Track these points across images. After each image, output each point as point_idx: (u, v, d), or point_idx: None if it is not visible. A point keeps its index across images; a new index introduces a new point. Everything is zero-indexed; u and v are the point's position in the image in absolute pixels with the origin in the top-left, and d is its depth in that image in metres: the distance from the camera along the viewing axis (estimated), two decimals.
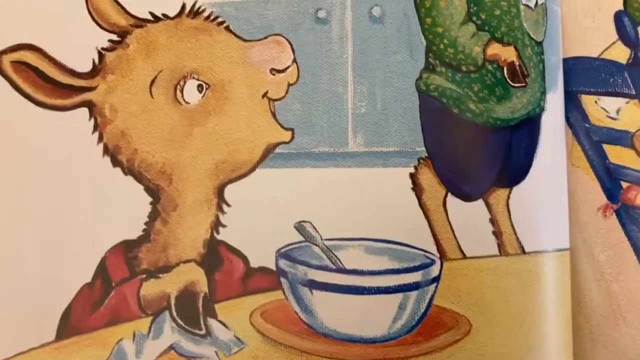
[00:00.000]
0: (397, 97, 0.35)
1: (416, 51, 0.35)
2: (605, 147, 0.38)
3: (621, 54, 0.38)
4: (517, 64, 0.34)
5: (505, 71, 0.34)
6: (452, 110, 0.34)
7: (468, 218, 0.34)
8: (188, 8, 0.36)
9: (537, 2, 0.35)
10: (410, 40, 0.35)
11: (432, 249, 0.34)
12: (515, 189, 0.35)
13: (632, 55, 0.37)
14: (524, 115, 0.35)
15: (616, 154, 0.38)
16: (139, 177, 0.36)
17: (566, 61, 0.38)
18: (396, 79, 0.35)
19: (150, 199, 0.36)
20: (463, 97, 0.34)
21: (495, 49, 0.34)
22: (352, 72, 0.35)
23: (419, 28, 0.35)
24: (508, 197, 0.34)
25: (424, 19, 0.34)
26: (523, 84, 0.34)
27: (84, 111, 0.36)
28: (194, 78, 0.36)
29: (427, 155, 0.34)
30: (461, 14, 0.34)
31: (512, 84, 0.34)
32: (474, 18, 0.34)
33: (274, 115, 0.35)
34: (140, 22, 0.36)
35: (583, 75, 0.38)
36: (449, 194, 0.34)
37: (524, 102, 0.35)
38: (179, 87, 0.36)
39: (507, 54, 0.34)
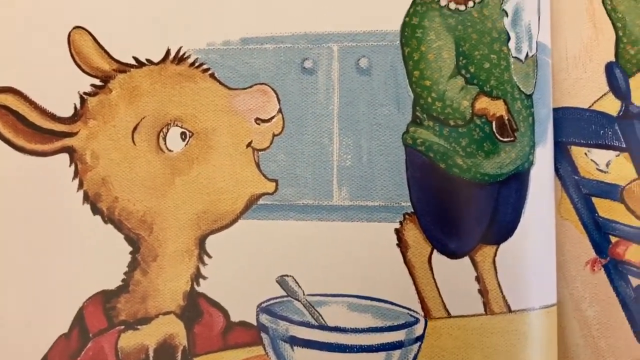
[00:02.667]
0: (383, 151, 0.34)
1: (403, 104, 0.34)
2: (595, 200, 0.38)
3: (612, 105, 0.37)
4: (506, 118, 0.34)
5: (493, 126, 0.34)
6: (439, 165, 0.34)
7: (454, 276, 0.34)
8: (172, 54, 0.35)
9: (527, 54, 0.35)
10: (397, 93, 0.34)
11: (417, 307, 0.34)
12: (502, 245, 0.34)
13: (623, 108, 0.37)
14: (513, 170, 0.34)
15: (605, 208, 0.37)
16: (119, 226, 0.35)
17: (556, 111, 0.37)
18: (382, 132, 0.34)
19: (130, 249, 0.35)
20: (450, 152, 0.34)
21: (484, 103, 0.34)
22: (338, 123, 0.34)
23: (406, 81, 0.34)
24: (495, 255, 0.34)
25: (411, 71, 0.34)
26: (512, 139, 0.34)
27: (65, 157, 0.36)
28: (177, 125, 0.35)
29: (412, 210, 0.34)
30: (450, 67, 0.34)
31: (501, 139, 0.34)
32: (463, 71, 0.34)
33: (258, 165, 0.35)
34: (123, 67, 0.36)
35: (573, 126, 0.38)
36: (435, 251, 0.34)
37: (512, 157, 0.34)
38: (161, 134, 0.35)
39: (496, 108, 0.34)
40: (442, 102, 0.34)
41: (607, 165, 0.37)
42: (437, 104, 0.34)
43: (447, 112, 0.34)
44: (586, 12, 0.38)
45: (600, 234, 0.37)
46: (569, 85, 0.38)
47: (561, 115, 0.38)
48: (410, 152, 0.34)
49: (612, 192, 0.37)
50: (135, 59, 0.35)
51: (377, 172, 0.34)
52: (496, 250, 0.34)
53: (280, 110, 0.35)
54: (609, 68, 0.37)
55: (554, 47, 0.37)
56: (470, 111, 0.34)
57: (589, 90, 0.38)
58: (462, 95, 0.34)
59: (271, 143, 0.35)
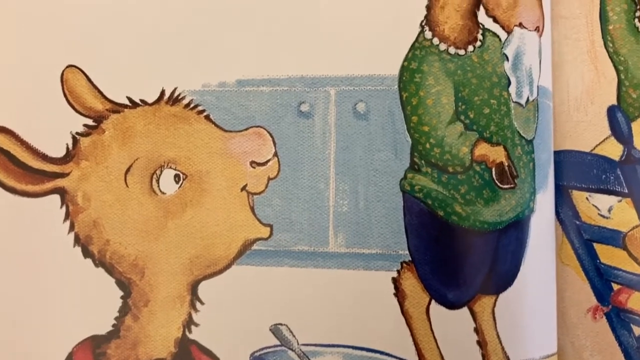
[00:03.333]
0: (380, 197, 0.33)
1: (401, 150, 0.33)
2: (597, 246, 0.37)
3: (614, 150, 0.37)
4: (506, 164, 0.33)
5: (493, 172, 0.33)
6: (437, 212, 0.33)
7: (452, 327, 0.33)
8: (167, 94, 0.35)
9: (528, 99, 0.34)
10: (395, 138, 0.33)
11: (414, 358, 0.33)
12: (502, 295, 0.33)
13: (625, 152, 0.36)
14: (513, 218, 0.33)
15: (607, 254, 0.37)
16: (110, 270, 0.34)
17: (557, 154, 0.37)
18: (380, 177, 0.34)
19: (121, 293, 0.34)
20: (449, 199, 0.33)
21: (483, 150, 0.33)
22: (335, 168, 0.34)
23: (404, 126, 0.33)
24: (494, 305, 0.33)
25: (409, 116, 0.33)
26: (512, 185, 0.33)
27: (56, 198, 0.35)
28: (171, 168, 0.34)
29: (410, 259, 0.33)
30: (449, 113, 0.33)
31: (501, 186, 0.33)
32: (462, 117, 0.33)
33: (252, 209, 0.34)
34: (117, 107, 0.35)
35: (574, 170, 0.37)
36: (433, 301, 0.33)
37: (512, 204, 0.33)
38: (155, 176, 0.34)
39: (496, 154, 0.33)
40: (440, 148, 0.33)
41: (609, 210, 0.36)
42: (436, 150, 0.33)
43: (446, 159, 0.33)
44: (588, 55, 0.37)
45: (602, 281, 0.37)
46: (570, 128, 0.37)
47: (562, 159, 0.37)
48: (408, 199, 0.33)
49: (614, 238, 0.36)
50: (129, 99, 0.35)
51: (374, 218, 0.33)
52: (495, 300, 0.33)
53: (276, 154, 0.34)
54: (611, 111, 0.37)
55: (555, 89, 0.37)
56: (470, 158, 0.33)
57: (590, 134, 0.37)
58: (461, 142, 0.33)
59: (266, 187, 0.34)
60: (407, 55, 0.34)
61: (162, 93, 0.35)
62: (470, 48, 0.34)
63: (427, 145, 0.33)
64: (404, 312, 0.33)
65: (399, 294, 0.33)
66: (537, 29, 0.35)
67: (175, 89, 0.35)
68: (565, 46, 0.37)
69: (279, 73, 0.34)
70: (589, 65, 0.37)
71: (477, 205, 0.33)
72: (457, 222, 0.33)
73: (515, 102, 0.34)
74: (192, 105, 0.35)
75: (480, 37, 0.34)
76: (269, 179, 0.34)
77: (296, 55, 0.34)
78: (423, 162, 0.33)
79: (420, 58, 0.33)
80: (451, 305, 0.33)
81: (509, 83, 0.34)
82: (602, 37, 0.37)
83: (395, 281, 0.33)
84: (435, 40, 0.34)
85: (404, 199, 0.33)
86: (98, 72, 0.35)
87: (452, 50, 0.34)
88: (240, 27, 0.34)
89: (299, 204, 0.34)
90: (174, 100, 0.35)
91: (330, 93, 0.34)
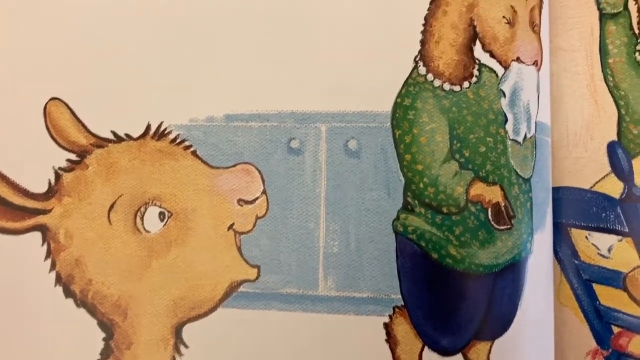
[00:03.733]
0: (372, 238, 0.32)
1: (394, 189, 0.32)
2: (596, 287, 0.36)
3: (614, 187, 0.36)
4: (503, 205, 0.32)
5: (489, 213, 0.32)
6: (431, 254, 0.32)
7: None
8: (153, 129, 0.34)
9: (525, 136, 0.33)
10: (387, 177, 0.32)
11: None
12: (498, 340, 0.32)
13: (626, 190, 0.35)
14: (509, 260, 0.32)
15: (607, 295, 0.35)
16: (92, 310, 0.33)
17: (556, 191, 0.36)
18: (372, 218, 0.32)
19: (103, 335, 0.33)
20: (443, 241, 0.32)
21: (479, 189, 0.32)
22: (325, 208, 0.33)
23: (397, 165, 0.32)
24: (489, 351, 0.32)
25: (403, 155, 0.32)
26: (509, 226, 0.32)
27: (37, 235, 0.34)
28: (155, 205, 0.33)
29: (403, 303, 0.32)
30: (443, 151, 0.32)
31: (497, 227, 0.32)
32: (457, 155, 0.32)
33: (239, 249, 0.33)
34: (101, 142, 0.34)
35: (573, 207, 0.36)
36: (426, 348, 0.32)
37: (509, 245, 0.32)
38: (139, 213, 0.33)
39: (492, 194, 0.32)
40: (434, 188, 0.32)
41: (609, 250, 0.35)
42: (430, 189, 0.32)
43: (440, 199, 0.32)
44: (587, 88, 0.37)
45: (601, 323, 0.35)
46: (569, 164, 0.36)
47: (561, 196, 0.36)
48: (400, 240, 0.32)
49: (614, 279, 0.35)
50: (114, 133, 0.34)
51: (365, 260, 0.32)
52: (491, 346, 0.32)
53: (264, 192, 0.33)
54: (611, 147, 0.36)
55: (554, 124, 0.36)
56: (465, 198, 0.32)
57: (590, 170, 0.36)
58: (456, 181, 0.32)
59: (254, 226, 0.33)
60: (400, 92, 0.33)
61: (148, 127, 0.34)
62: (466, 84, 0.33)
63: (421, 185, 0.32)
64: (395, 359, 0.32)
65: (391, 340, 0.32)
66: (535, 63, 0.34)
67: (162, 123, 0.34)
68: (564, 79, 0.37)
69: (268, 108, 0.33)
70: (589, 100, 0.36)
71: (472, 248, 0.32)
72: (452, 264, 0.32)
73: (512, 139, 0.33)
74: (178, 141, 0.33)
75: (476, 72, 0.33)
76: (257, 217, 0.33)
77: (286, 90, 0.33)
78: (416, 202, 0.32)
79: (414, 94, 0.32)
80: (445, 352, 0.32)
81: (506, 120, 0.33)
82: (602, 71, 0.36)
83: (387, 327, 0.32)
84: (430, 76, 0.32)
85: (396, 240, 0.32)
86: (82, 106, 0.34)
87: (446, 86, 0.32)
88: (229, 60, 0.33)
89: (288, 244, 0.33)
90: (160, 135, 0.33)
91: (321, 129, 0.33)
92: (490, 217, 0.32)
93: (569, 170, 0.36)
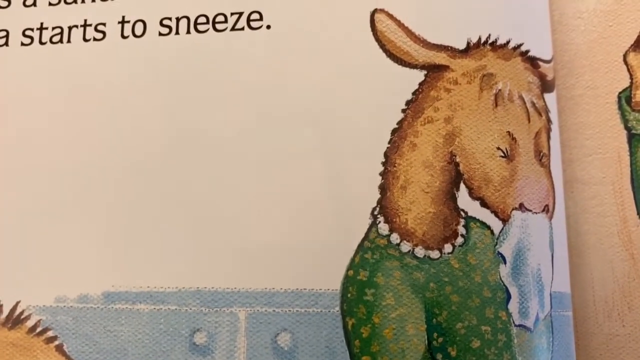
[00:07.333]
0: None
1: None
2: None
3: None
4: None
5: None
6: None
7: None
8: (5, 313, 0.26)
9: (538, 317, 0.24)
10: None
11: None
12: None
13: None
14: None
15: None
16: None
17: None
18: None
19: None
20: None
21: None
22: None
23: None
24: None
25: (359, 356, 0.22)
26: None
27: None
28: None
29: None
30: (418, 350, 0.23)
31: None
32: (440, 356, 0.23)
33: None
34: None
35: None
36: None
37: None
38: None
39: None
40: None
41: None
42: None
43: None
44: (618, 237, 0.30)
45: None
46: (600, 343, 0.30)
47: None
48: None
49: None
50: None
51: None
52: None
53: None
54: None
55: (574, 289, 0.28)
56: None
57: (628, 352, 0.28)
58: None
59: None
60: (352, 260, 0.24)
61: None
62: (448, 248, 0.25)
63: None
64: None
65: None
66: (545, 209, 0.26)
67: (18, 304, 0.26)
68: (585, 224, 0.30)
69: (164, 284, 0.25)
70: (622, 253, 0.29)
71: None
72: None
73: (519, 325, 0.24)
74: (38, 330, 0.26)
75: (462, 230, 0.25)
76: None
77: (189, 259, 0.25)
78: None
79: (373, 265, 0.24)
80: None
81: (508, 297, 0.24)
82: (637, 212, 0.28)
83: None
84: (395, 237, 0.25)
85: None
86: None
87: (420, 251, 0.25)
88: (108, 214, 0.25)
89: None
90: (14, 321, 0.26)
91: (239, 317, 0.25)
92: None
93: (600, 353, 0.27)
